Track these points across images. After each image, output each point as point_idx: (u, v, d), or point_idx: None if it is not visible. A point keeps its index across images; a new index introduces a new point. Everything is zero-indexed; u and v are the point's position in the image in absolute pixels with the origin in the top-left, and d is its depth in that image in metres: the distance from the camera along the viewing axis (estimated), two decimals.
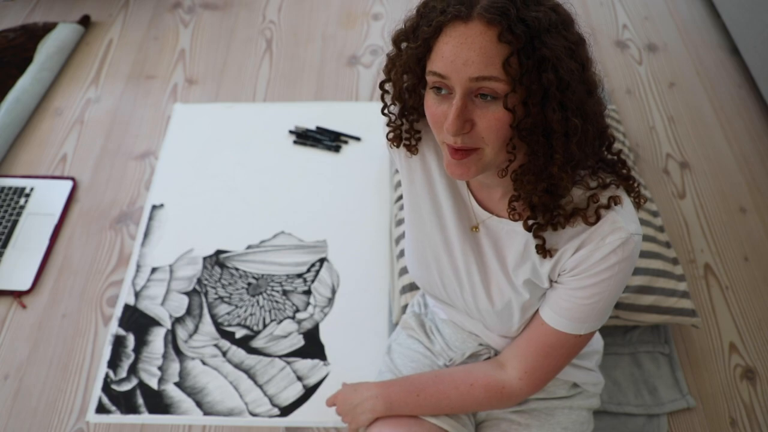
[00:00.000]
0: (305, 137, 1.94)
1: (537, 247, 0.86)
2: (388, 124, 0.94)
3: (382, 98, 0.92)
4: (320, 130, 1.96)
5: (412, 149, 0.94)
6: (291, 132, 1.96)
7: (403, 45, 0.84)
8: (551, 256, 0.87)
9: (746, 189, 1.80)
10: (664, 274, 1.44)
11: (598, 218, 0.83)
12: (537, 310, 0.96)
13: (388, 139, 0.94)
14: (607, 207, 0.83)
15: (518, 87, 0.74)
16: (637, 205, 0.89)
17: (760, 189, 1.80)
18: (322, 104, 2.05)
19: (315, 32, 2.32)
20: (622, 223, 0.83)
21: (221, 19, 2.38)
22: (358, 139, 1.93)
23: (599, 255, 0.84)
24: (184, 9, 2.43)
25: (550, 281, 0.91)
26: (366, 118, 2.00)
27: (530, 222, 0.85)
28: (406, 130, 0.92)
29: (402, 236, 1.58)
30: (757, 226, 1.72)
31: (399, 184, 1.71)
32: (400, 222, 1.62)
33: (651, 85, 2.10)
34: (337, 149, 1.91)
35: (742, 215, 1.74)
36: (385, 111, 0.93)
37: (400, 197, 1.68)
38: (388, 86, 0.90)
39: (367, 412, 1.05)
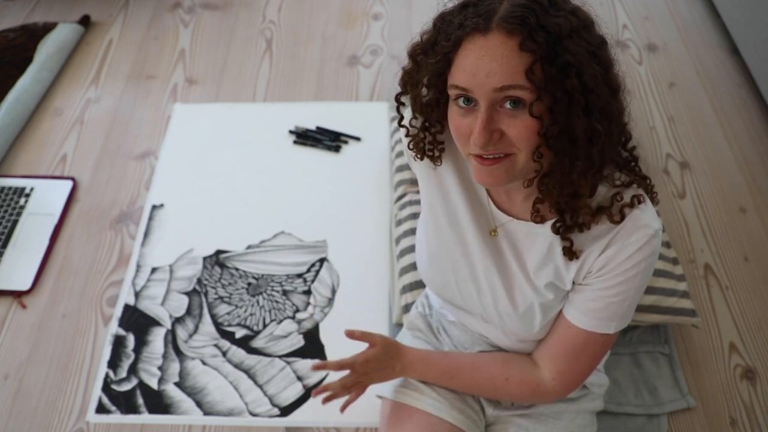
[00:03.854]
0: (305, 137, 1.94)
1: (564, 249, 0.86)
2: (407, 136, 0.93)
3: (398, 110, 0.92)
4: (320, 130, 1.96)
5: (435, 161, 0.93)
6: (291, 132, 1.96)
7: (420, 59, 0.83)
8: (577, 258, 0.87)
9: (746, 189, 1.80)
10: (664, 273, 1.44)
11: (623, 217, 0.83)
12: (559, 311, 0.96)
13: (410, 149, 0.94)
14: (631, 206, 0.84)
15: (543, 94, 0.73)
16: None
17: (760, 189, 1.80)
18: (322, 104, 2.05)
19: (315, 32, 2.33)
20: (646, 221, 0.83)
21: (221, 19, 2.38)
22: (358, 139, 1.93)
23: (626, 254, 0.84)
24: (184, 9, 2.43)
25: (573, 284, 0.91)
26: (366, 118, 2.00)
27: (558, 225, 0.85)
28: (430, 142, 0.91)
29: (402, 236, 1.58)
30: (757, 226, 1.72)
31: (399, 184, 1.71)
32: (400, 222, 1.62)
33: (651, 85, 2.10)
34: (337, 149, 1.91)
35: (742, 215, 1.74)
36: (403, 123, 0.93)
37: (400, 197, 1.68)
38: (404, 99, 0.90)
39: (392, 377, 1.07)
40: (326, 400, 1.07)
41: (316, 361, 1.23)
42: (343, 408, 1.11)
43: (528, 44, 0.72)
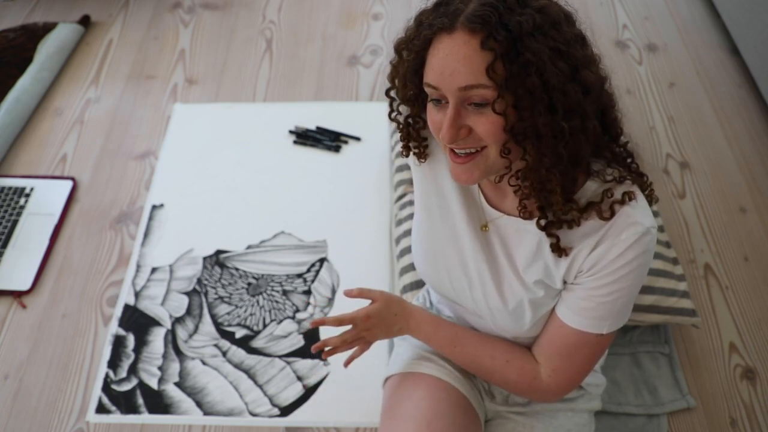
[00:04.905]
0: (305, 137, 1.94)
1: (552, 245, 0.86)
2: (399, 130, 0.96)
3: (390, 105, 0.95)
4: (320, 130, 1.96)
5: (420, 157, 0.96)
6: (291, 132, 1.96)
7: (404, 53, 0.85)
8: (566, 255, 0.86)
9: (746, 189, 1.80)
10: (664, 274, 1.44)
11: (613, 213, 0.83)
12: (551, 309, 0.95)
13: (402, 142, 0.97)
14: (621, 202, 0.83)
15: (505, 92, 0.75)
16: (649, 203, 0.89)
17: (760, 189, 1.80)
18: (322, 104, 2.05)
19: (315, 32, 2.33)
20: (637, 218, 0.83)
21: (221, 19, 2.38)
22: (358, 139, 1.93)
23: (616, 252, 0.84)
24: (184, 9, 2.43)
25: (564, 283, 0.91)
26: (366, 118, 2.00)
27: (543, 222, 0.85)
28: (414, 138, 0.94)
29: (402, 236, 1.58)
30: (757, 226, 1.72)
31: (399, 184, 1.71)
32: (400, 222, 1.62)
33: (651, 85, 2.10)
34: (337, 149, 1.91)
35: (742, 215, 1.74)
36: (392, 116, 0.95)
37: (400, 197, 1.68)
38: (393, 93, 0.92)
39: (395, 333, 1.06)
40: (327, 354, 1.06)
41: (315, 318, 1.18)
42: (347, 363, 1.11)
43: (489, 42, 0.74)
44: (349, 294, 1.04)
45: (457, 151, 0.82)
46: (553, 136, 0.76)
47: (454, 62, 0.76)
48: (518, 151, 0.79)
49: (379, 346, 1.47)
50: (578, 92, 0.77)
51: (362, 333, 1.05)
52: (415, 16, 0.84)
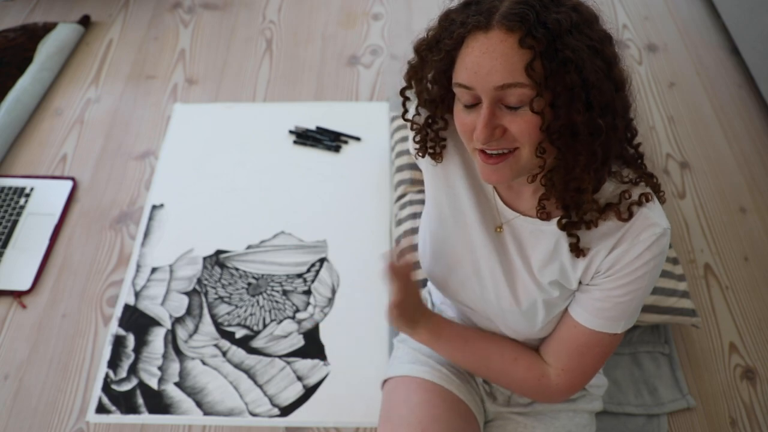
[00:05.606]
0: (305, 137, 1.94)
1: (571, 245, 0.86)
2: (412, 128, 0.95)
3: (404, 104, 0.94)
4: (320, 130, 1.96)
5: (436, 157, 0.95)
6: (291, 132, 1.96)
7: (425, 54, 0.84)
8: (584, 256, 0.86)
9: (746, 189, 1.80)
10: (664, 273, 1.44)
11: (631, 215, 0.83)
12: (563, 309, 0.95)
13: (415, 149, 0.95)
14: (639, 203, 0.84)
15: (543, 91, 0.74)
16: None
17: (760, 189, 1.80)
18: (322, 104, 2.05)
19: (315, 32, 2.33)
20: (655, 219, 0.83)
21: (221, 19, 2.38)
22: (358, 139, 1.93)
23: (635, 253, 0.84)
24: (184, 9, 2.43)
25: (579, 283, 0.91)
26: (366, 118, 2.00)
27: (564, 221, 0.85)
28: (432, 138, 0.92)
29: (402, 236, 1.58)
30: (757, 226, 1.72)
31: (399, 184, 1.71)
32: (400, 222, 1.62)
33: (651, 85, 2.10)
34: (337, 149, 1.91)
35: (742, 215, 1.74)
36: (407, 117, 0.94)
37: (400, 197, 1.68)
38: (409, 93, 0.91)
39: (416, 326, 1.01)
40: (394, 264, 0.95)
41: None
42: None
43: (527, 41, 0.73)
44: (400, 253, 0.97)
45: (488, 151, 0.80)
46: (590, 134, 0.76)
47: (490, 60, 0.74)
48: (553, 150, 0.78)
49: (379, 347, 1.47)
50: (612, 89, 0.77)
51: (400, 298, 0.95)
52: (440, 16, 0.83)
